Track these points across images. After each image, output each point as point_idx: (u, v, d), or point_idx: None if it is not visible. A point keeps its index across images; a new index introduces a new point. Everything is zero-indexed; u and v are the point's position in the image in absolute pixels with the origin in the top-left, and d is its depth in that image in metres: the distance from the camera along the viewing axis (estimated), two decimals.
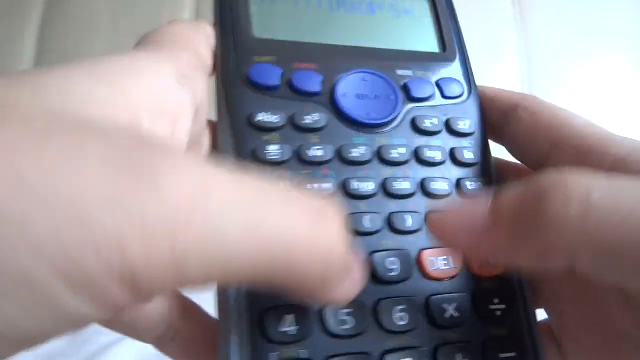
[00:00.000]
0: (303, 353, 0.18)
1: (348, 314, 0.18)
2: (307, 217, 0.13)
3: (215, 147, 0.21)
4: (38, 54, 0.76)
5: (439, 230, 0.17)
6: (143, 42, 0.18)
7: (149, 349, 0.59)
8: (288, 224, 0.12)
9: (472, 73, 0.25)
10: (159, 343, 0.20)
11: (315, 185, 0.20)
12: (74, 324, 0.11)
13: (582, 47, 0.86)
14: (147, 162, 0.11)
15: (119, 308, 0.11)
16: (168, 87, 0.16)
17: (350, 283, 0.15)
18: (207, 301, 0.22)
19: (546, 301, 0.22)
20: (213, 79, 0.22)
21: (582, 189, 0.13)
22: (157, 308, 0.19)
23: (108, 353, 0.50)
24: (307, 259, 0.13)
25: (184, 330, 0.20)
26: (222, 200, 0.11)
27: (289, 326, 0.18)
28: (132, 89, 0.15)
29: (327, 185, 0.20)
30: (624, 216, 0.13)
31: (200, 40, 0.20)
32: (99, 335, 0.53)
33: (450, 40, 0.25)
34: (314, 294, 0.14)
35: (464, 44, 0.26)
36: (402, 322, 0.19)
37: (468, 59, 0.25)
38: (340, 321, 0.18)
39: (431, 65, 0.24)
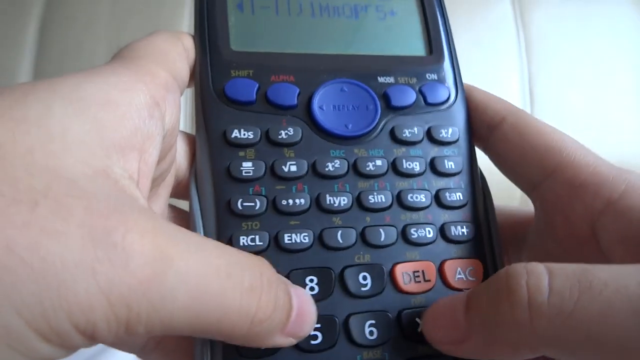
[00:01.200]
0: None
1: (318, 329, 0.19)
2: (242, 291, 0.15)
3: (194, 161, 0.21)
4: (38, 54, 0.77)
5: (428, 333, 0.19)
6: (119, 57, 0.19)
7: None
8: (224, 299, 0.14)
9: (460, 76, 0.24)
10: (142, 353, 0.21)
11: (290, 201, 0.20)
12: None
13: (582, 47, 0.85)
14: (120, 230, 0.13)
15: (78, 348, 0.13)
16: (139, 120, 0.17)
17: (294, 326, 0.17)
18: None
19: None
20: (193, 90, 0.22)
21: (524, 295, 0.15)
22: None
23: (108, 352, 0.50)
24: (234, 326, 0.15)
25: (166, 340, 0.21)
26: (178, 272, 0.13)
27: None
28: (105, 125, 0.15)
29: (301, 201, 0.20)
30: (566, 318, 0.14)
31: (177, 55, 0.20)
32: None
33: (438, 42, 0.25)
34: (247, 343, 0.16)
35: (453, 45, 0.25)
36: (372, 337, 0.19)
37: (456, 60, 0.25)
38: (311, 336, 0.18)
39: (415, 70, 0.24)
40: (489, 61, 0.83)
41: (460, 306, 0.17)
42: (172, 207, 0.23)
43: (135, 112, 0.16)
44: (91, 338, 0.13)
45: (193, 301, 0.14)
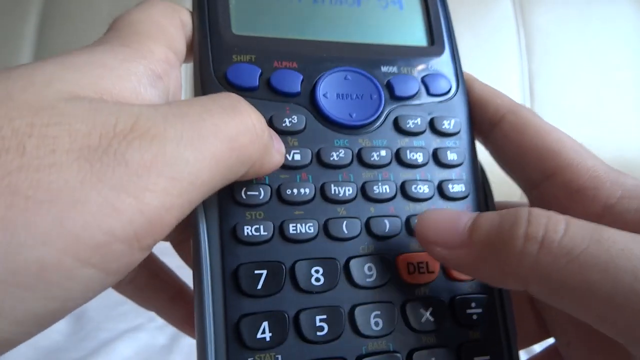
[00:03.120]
0: (278, 358, 0.18)
1: (323, 320, 0.19)
2: (228, 115, 0.16)
3: None
4: (37, 50, 0.77)
5: (420, 232, 0.19)
6: (116, 33, 0.18)
7: (147, 344, 0.60)
8: (221, 129, 0.16)
9: (460, 68, 0.24)
10: (118, 287, 0.24)
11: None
12: (84, 294, 0.13)
13: (582, 45, 0.85)
14: (107, 139, 0.13)
15: (124, 268, 0.14)
16: (139, 85, 0.17)
17: (277, 151, 0.18)
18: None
19: (555, 331, 0.23)
20: (191, 71, 0.22)
21: (540, 231, 0.16)
22: None
23: (108, 349, 0.51)
24: (243, 140, 0.16)
25: (139, 278, 0.24)
26: (178, 148, 0.14)
27: (263, 332, 0.18)
28: (99, 79, 0.15)
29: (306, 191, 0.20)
30: (570, 260, 0.15)
31: (175, 30, 0.20)
32: (99, 331, 0.54)
33: (440, 33, 0.24)
34: (261, 162, 0.17)
35: (454, 37, 0.25)
36: (377, 327, 0.19)
37: (457, 52, 0.25)
38: (316, 327, 0.19)
39: (418, 60, 0.23)
40: (490, 59, 0.83)
41: (465, 218, 0.18)
42: None
43: (135, 77, 0.17)
44: (113, 252, 0.13)
45: (200, 154, 0.15)
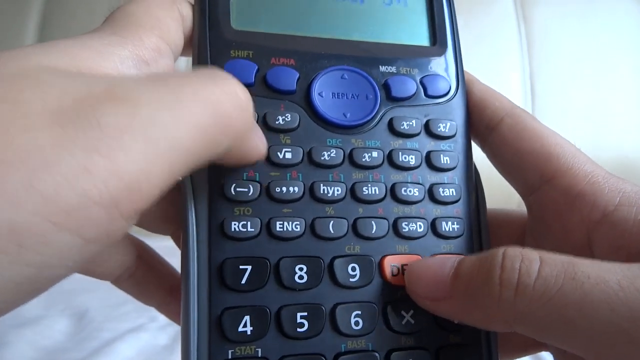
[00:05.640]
0: (258, 352, 0.19)
1: (304, 317, 0.19)
2: (209, 81, 0.16)
3: None
4: None
5: (409, 286, 0.20)
6: (109, 20, 0.19)
7: (149, 344, 0.60)
8: (201, 94, 0.15)
9: (462, 69, 0.24)
10: (117, 282, 0.24)
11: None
12: (61, 261, 0.13)
13: (583, 44, 0.85)
14: (77, 100, 0.13)
15: (105, 236, 0.14)
16: (122, 66, 0.17)
17: (259, 140, 0.19)
18: None
19: (549, 346, 0.23)
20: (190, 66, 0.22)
21: (514, 276, 0.17)
22: (115, 255, 0.23)
23: (109, 349, 0.51)
24: (226, 107, 0.16)
25: (137, 273, 0.24)
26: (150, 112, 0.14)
27: (245, 326, 0.19)
28: (80, 58, 0.16)
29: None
30: (546, 302, 0.16)
31: (172, 21, 0.20)
32: (100, 331, 0.54)
33: (443, 32, 0.24)
34: (243, 140, 0.17)
35: (458, 37, 0.25)
36: (357, 327, 0.20)
37: (460, 53, 0.25)
38: (297, 323, 0.19)
39: (418, 60, 0.24)
40: (491, 58, 0.82)
41: (448, 268, 0.19)
42: None
43: (117, 58, 0.17)
44: (90, 216, 0.13)
45: (184, 123, 0.14)
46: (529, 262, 0.17)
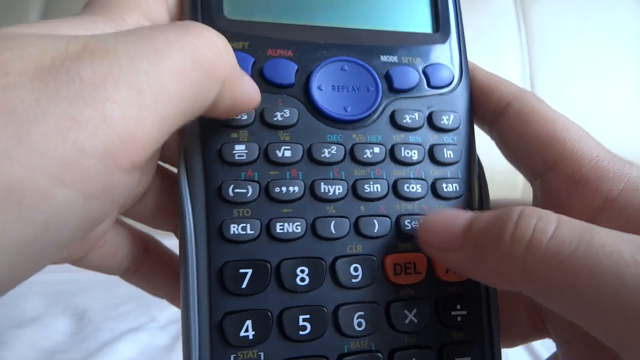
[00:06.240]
0: (261, 356, 0.19)
1: (307, 319, 0.19)
2: (183, 31, 0.16)
3: (182, 143, 0.21)
4: None
5: (420, 234, 0.20)
6: (88, 5, 0.18)
7: (149, 344, 0.60)
8: (175, 42, 0.15)
9: (465, 57, 0.23)
10: (125, 276, 0.24)
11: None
12: (63, 219, 0.13)
13: (583, 41, 0.85)
14: (63, 59, 0.13)
15: (105, 190, 0.14)
16: None
17: (249, 84, 0.18)
18: None
19: (554, 329, 0.23)
20: None
21: (528, 233, 0.16)
22: (121, 247, 0.23)
23: (109, 349, 0.51)
24: (204, 52, 0.16)
25: (144, 265, 0.24)
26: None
27: (247, 331, 0.19)
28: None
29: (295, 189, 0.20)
30: (556, 263, 0.15)
31: (154, 1, 0.20)
32: (100, 331, 0.54)
33: (446, 18, 0.23)
34: (232, 84, 0.17)
35: (461, 23, 0.24)
36: (360, 328, 0.20)
37: (463, 40, 0.24)
38: (299, 326, 0.19)
39: (420, 49, 0.23)
40: (490, 55, 0.82)
41: (462, 220, 0.18)
42: (162, 172, 0.23)
43: (100, 32, 0.16)
44: (86, 169, 0.13)
45: (177, 72, 0.15)
46: (546, 222, 0.16)
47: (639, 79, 0.85)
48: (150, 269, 0.25)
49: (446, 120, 0.22)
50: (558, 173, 0.20)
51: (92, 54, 0.14)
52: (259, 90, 0.19)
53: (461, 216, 0.19)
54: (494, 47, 0.82)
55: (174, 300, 0.27)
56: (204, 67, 0.16)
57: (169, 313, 0.57)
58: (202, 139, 0.20)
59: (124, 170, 0.14)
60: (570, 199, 0.20)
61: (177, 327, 0.55)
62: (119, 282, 0.25)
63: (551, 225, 0.16)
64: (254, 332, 0.18)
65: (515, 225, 0.17)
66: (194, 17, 0.20)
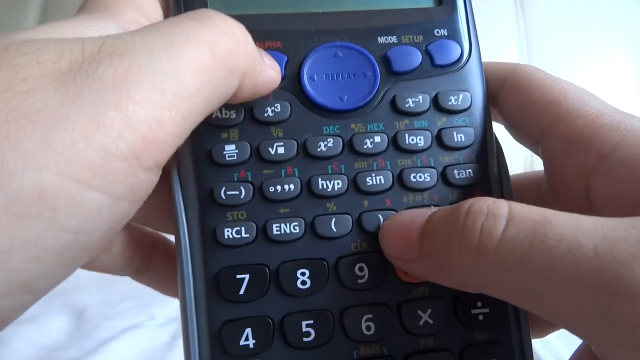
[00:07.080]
0: None
1: (310, 325, 0.18)
2: (199, 23, 0.16)
3: None
4: None
5: (382, 246, 0.19)
6: (83, 7, 0.18)
7: (148, 342, 0.59)
8: (193, 35, 0.15)
9: (474, 29, 0.21)
10: (136, 275, 0.24)
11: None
12: (94, 223, 0.13)
13: (582, 38, 0.85)
14: (80, 58, 0.14)
15: (132, 191, 0.14)
16: None
17: (269, 66, 0.18)
18: None
19: None
20: None
21: (475, 238, 0.15)
22: (128, 246, 0.23)
23: (108, 347, 0.51)
24: (223, 45, 0.16)
25: (154, 263, 0.24)
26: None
27: (247, 339, 0.18)
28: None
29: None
30: (507, 270, 0.14)
31: None
32: (99, 329, 0.54)
33: None
34: (253, 72, 0.17)
35: None
36: (369, 332, 0.18)
37: (471, 11, 0.21)
38: (302, 333, 0.18)
39: (422, 25, 0.21)
40: (489, 51, 0.82)
41: (416, 229, 0.17)
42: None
43: (104, 30, 0.16)
44: (113, 172, 0.13)
45: (189, 63, 0.15)
46: (494, 220, 0.15)
47: (637, 74, 0.85)
48: (160, 268, 0.24)
49: (455, 101, 0.20)
50: (553, 136, 0.19)
51: (109, 54, 0.14)
52: (279, 69, 0.18)
53: (416, 222, 0.17)
54: (492, 43, 0.82)
55: None
56: (225, 60, 0.15)
57: (168, 311, 0.57)
58: (193, 141, 0.19)
59: (147, 169, 0.14)
60: (566, 162, 0.19)
61: (176, 325, 0.55)
62: (117, 280, 0.25)
63: (499, 223, 0.15)
64: (254, 341, 0.18)
65: (462, 227, 0.15)
66: (178, 12, 0.19)
